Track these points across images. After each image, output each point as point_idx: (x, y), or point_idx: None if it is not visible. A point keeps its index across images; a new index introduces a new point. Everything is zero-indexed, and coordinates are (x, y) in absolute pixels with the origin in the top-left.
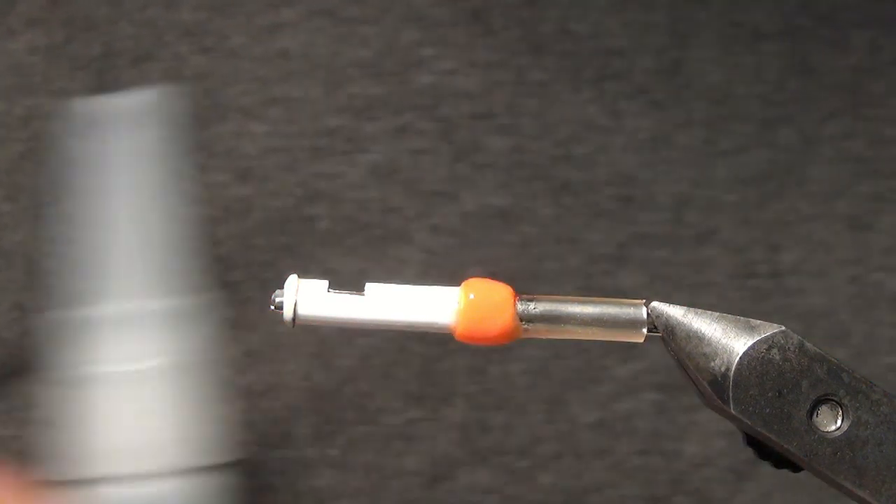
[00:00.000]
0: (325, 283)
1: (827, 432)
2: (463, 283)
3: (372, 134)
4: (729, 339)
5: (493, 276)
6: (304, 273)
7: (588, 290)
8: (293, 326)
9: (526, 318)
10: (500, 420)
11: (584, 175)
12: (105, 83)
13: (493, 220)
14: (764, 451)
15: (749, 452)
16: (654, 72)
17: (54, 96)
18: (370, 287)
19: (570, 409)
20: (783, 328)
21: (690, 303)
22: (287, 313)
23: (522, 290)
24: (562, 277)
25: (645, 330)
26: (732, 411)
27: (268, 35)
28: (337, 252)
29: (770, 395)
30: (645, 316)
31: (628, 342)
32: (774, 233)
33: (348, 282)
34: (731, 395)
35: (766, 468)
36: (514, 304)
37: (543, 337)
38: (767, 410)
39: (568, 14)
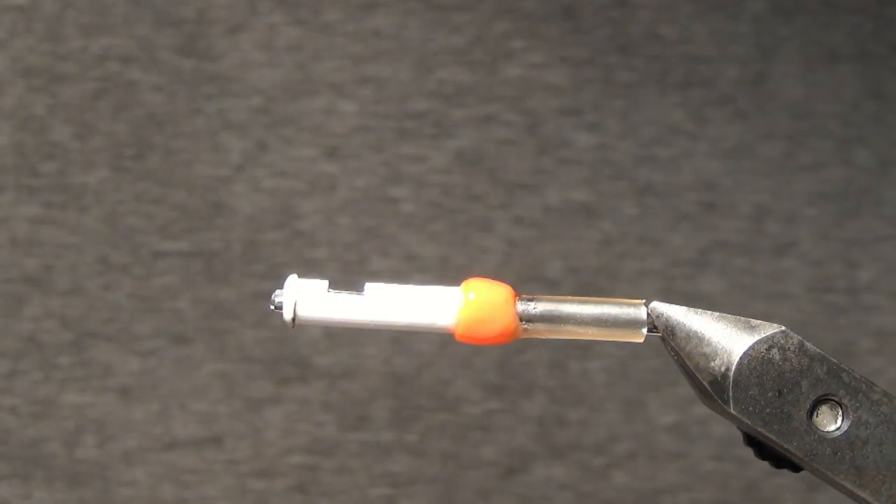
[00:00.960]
0: (325, 283)
1: (827, 432)
2: (463, 283)
3: (459, 120)
4: (729, 339)
5: (574, 272)
6: (387, 257)
7: (668, 294)
8: (293, 327)
9: (526, 318)
10: (578, 416)
11: (668, 178)
12: (197, 47)
13: (575, 216)
14: (764, 450)
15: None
16: (738, 81)
17: (135, 41)
18: (370, 287)
19: (647, 409)
20: (783, 328)
21: (768, 313)
22: (287, 313)
23: (601, 288)
24: (641, 278)
25: (645, 330)
26: (732, 411)
27: (361, 12)
28: (419, 237)
29: (770, 395)
30: (645, 316)
31: (628, 342)
32: (852, 250)
33: (431, 267)
34: (731, 395)
35: None
36: (515, 304)
37: (543, 337)
38: (767, 410)
39: (657, 17)
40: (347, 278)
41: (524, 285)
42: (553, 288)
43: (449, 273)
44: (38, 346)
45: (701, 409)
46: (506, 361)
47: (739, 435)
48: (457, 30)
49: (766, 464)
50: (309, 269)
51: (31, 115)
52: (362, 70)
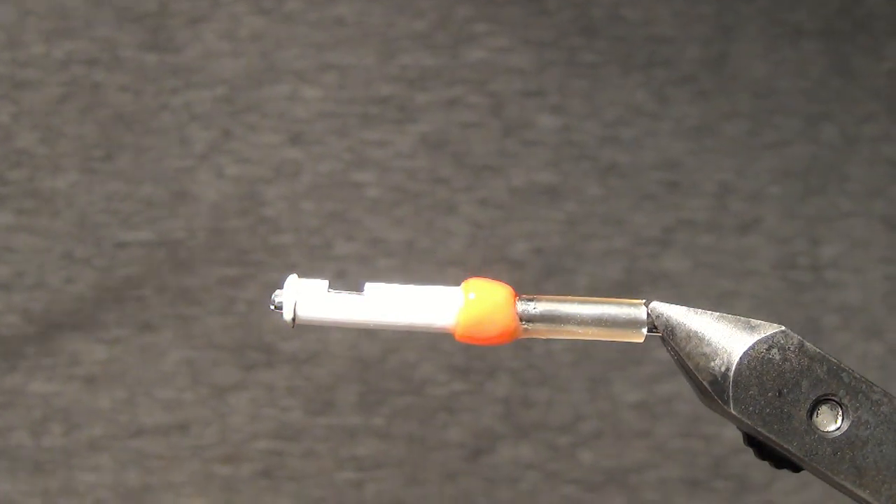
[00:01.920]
0: (325, 283)
1: (827, 432)
2: (463, 283)
3: (423, 105)
4: (729, 339)
5: (539, 252)
6: (352, 241)
7: (633, 273)
8: (293, 326)
9: (526, 318)
10: (543, 396)
11: (631, 158)
12: (159, 41)
13: (540, 197)
14: (764, 450)
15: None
16: (700, 61)
17: (98, 43)
18: (370, 287)
19: (612, 388)
20: (783, 328)
21: (733, 290)
22: (287, 313)
23: (566, 268)
24: (606, 258)
25: (645, 330)
26: (732, 411)
27: (324, 1)
28: (385, 221)
29: (770, 395)
30: (645, 316)
31: (628, 342)
32: (816, 227)
33: (397, 251)
34: (731, 395)
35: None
36: (514, 304)
37: (544, 337)
38: (767, 410)
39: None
40: (313, 264)
41: (490, 267)
42: (518, 269)
43: (415, 256)
44: (1, 340)
45: (666, 387)
46: (471, 346)
47: (704, 413)
48: (419, 14)
49: (732, 440)
50: (274, 256)
51: None
52: (325, 57)
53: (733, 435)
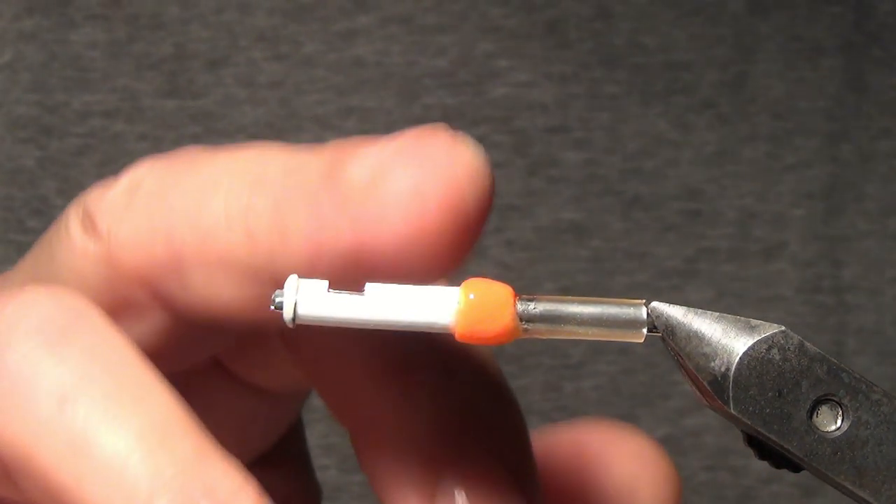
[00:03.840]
0: (325, 283)
1: (827, 432)
2: (463, 283)
3: None
4: (729, 339)
5: (565, 291)
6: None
7: None
8: (293, 326)
9: (526, 318)
10: None
11: (653, 189)
12: (178, 86)
13: (566, 235)
14: (764, 450)
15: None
16: (720, 85)
17: (117, 94)
18: (370, 287)
19: (639, 424)
20: (783, 328)
21: (759, 317)
22: (287, 313)
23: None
24: (630, 293)
25: (645, 330)
26: (732, 411)
27: (342, 42)
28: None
29: (770, 395)
30: (645, 316)
31: (628, 342)
32: (837, 248)
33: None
34: (731, 395)
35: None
36: (514, 304)
37: (544, 337)
38: (767, 410)
39: (639, 27)
40: None
41: None
42: None
43: None
44: None
45: (692, 421)
46: None
47: (731, 445)
48: (440, 52)
49: (759, 472)
50: None
51: (21, 168)
52: (346, 101)
53: (760, 467)
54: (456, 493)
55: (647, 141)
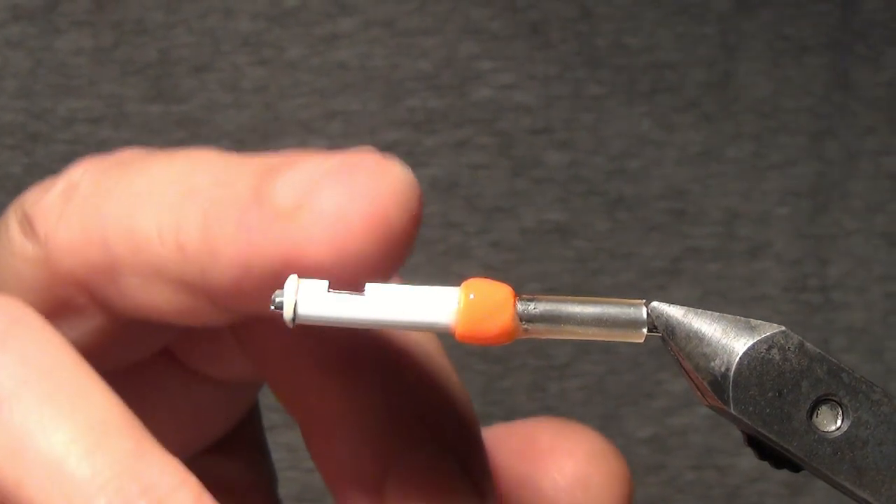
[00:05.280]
0: (325, 283)
1: (827, 432)
2: (463, 283)
3: (431, 148)
4: (729, 339)
5: (550, 292)
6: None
7: None
8: (293, 326)
9: (526, 318)
10: None
11: (638, 189)
12: (163, 91)
13: (551, 236)
14: (764, 450)
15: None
16: (704, 84)
17: (102, 100)
18: (370, 287)
19: (624, 424)
20: (783, 328)
21: (745, 316)
22: (287, 313)
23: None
24: (616, 292)
25: (645, 330)
26: (732, 411)
27: (325, 46)
28: (401, 270)
29: (770, 395)
30: (645, 316)
31: (628, 342)
32: (823, 247)
33: None
34: (731, 395)
35: (821, 484)
36: (514, 304)
37: (544, 337)
38: (767, 410)
39: (622, 27)
40: None
41: None
42: None
43: None
44: None
45: (678, 420)
46: (488, 388)
47: (718, 444)
48: (423, 54)
49: (746, 471)
50: None
51: (8, 175)
52: (330, 104)
53: (747, 465)
54: (404, 484)
55: (631, 141)
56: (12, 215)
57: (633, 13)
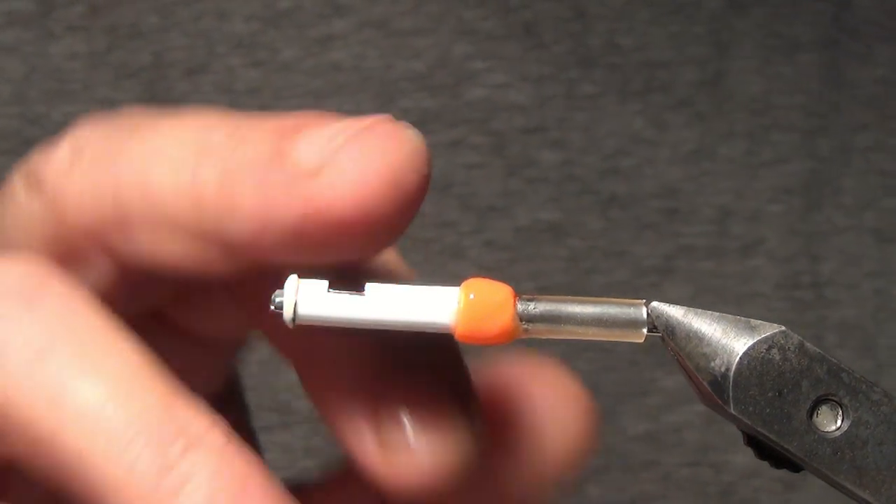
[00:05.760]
0: (326, 283)
1: (827, 432)
2: (463, 283)
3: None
4: (729, 339)
5: (544, 290)
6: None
7: None
8: (293, 326)
9: (526, 318)
10: None
11: (631, 188)
12: (157, 94)
13: (544, 235)
14: (764, 450)
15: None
16: (697, 83)
17: (97, 104)
18: (370, 287)
19: (619, 421)
20: (783, 328)
21: (737, 313)
22: (287, 313)
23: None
24: (609, 291)
25: (645, 330)
26: (732, 411)
27: (319, 47)
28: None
29: (770, 395)
30: (645, 316)
31: (628, 342)
32: (815, 244)
33: None
34: (731, 395)
35: (815, 480)
36: (514, 304)
37: (543, 337)
38: (767, 410)
39: (615, 27)
40: None
41: None
42: None
43: None
44: None
45: (673, 417)
46: None
47: (712, 441)
48: (417, 55)
49: (741, 468)
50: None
51: (3, 180)
52: (324, 105)
53: (742, 462)
54: (401, 411)
55: (624, 140)
56: (17, 177)
57: (626, 13)
